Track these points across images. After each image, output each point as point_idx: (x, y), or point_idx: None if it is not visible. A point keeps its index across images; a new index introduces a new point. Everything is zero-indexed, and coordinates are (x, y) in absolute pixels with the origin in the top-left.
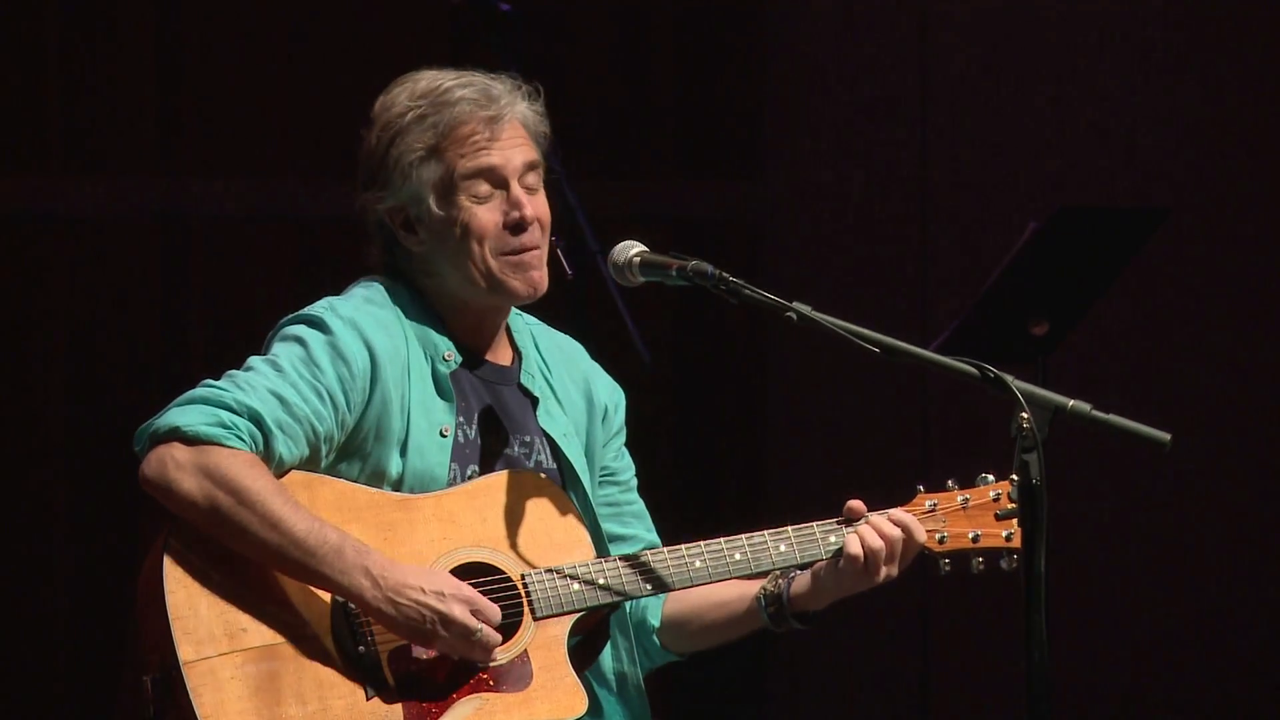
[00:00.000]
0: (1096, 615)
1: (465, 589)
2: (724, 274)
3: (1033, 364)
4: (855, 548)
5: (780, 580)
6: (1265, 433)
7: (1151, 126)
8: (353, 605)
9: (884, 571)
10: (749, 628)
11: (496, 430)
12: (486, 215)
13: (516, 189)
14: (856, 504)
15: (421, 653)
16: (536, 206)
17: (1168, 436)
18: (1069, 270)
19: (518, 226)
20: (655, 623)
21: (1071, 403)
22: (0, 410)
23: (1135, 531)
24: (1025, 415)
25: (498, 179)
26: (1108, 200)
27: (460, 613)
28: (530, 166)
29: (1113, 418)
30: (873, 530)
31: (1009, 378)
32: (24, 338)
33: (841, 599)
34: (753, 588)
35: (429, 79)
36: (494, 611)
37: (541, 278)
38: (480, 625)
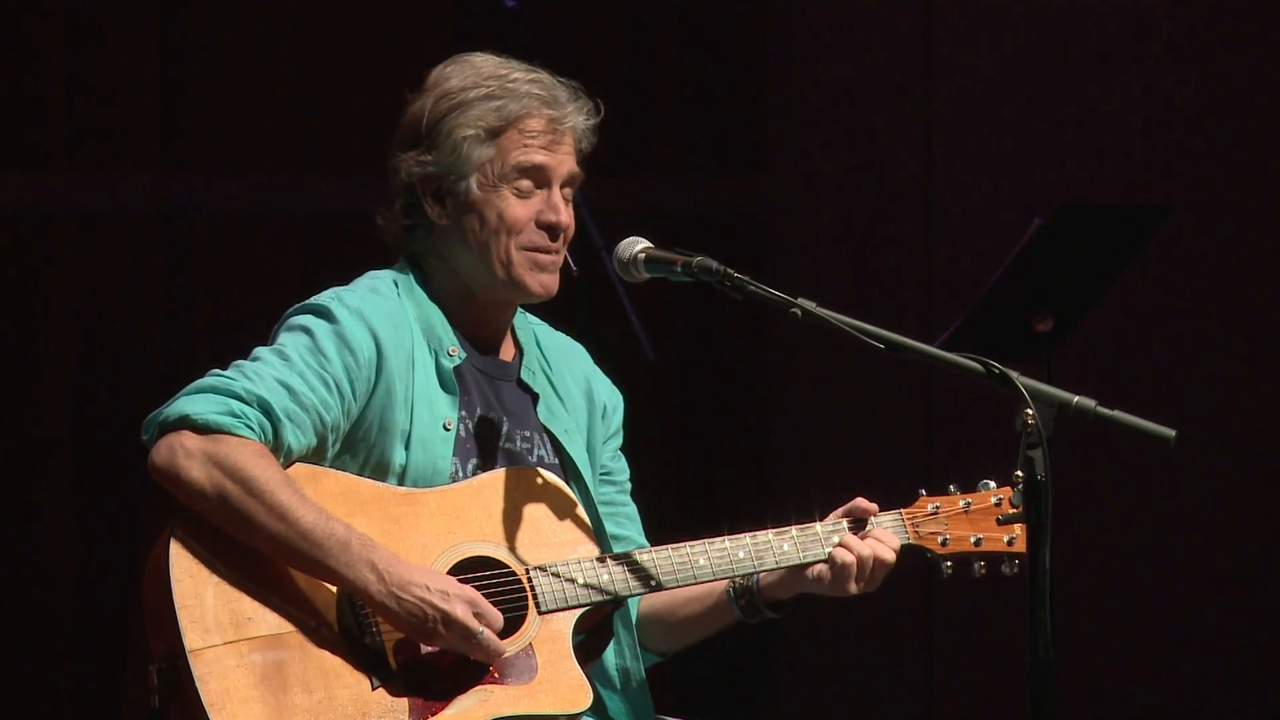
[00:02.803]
0: (1101, 611)
1: (469, 590)
2: (729, 270)
3: (1037, 360)
4: (845, 556)
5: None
6: (1270, 429)
7: (1156, 123)
8: (357, 598)
9: (853, 587)
10: (723, 621)
11: (498, 425)
12: (522, 209)
13: (556, 193)
14: (866, 503)
15: (426, 644)
16: (569, 217)
17: (1172, 433)
18: (1073, 267)
19: (550, 229)
20: (633, 621)
21: (1076, 399)
22: (6, 406)
23: (1139, 528)
24: (1030, 411)
25: (544, 179)
26: (1112, 197)
27: (463, 613)
28: (572, 179)
29: (1117, 414)
30: (844, 550)
31: (1014, 374)
32: (29, 334)
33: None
34: (721, 582)
35: (496, 63)
36: (497, 617)
37: (554, 283)
38: (481, 628)
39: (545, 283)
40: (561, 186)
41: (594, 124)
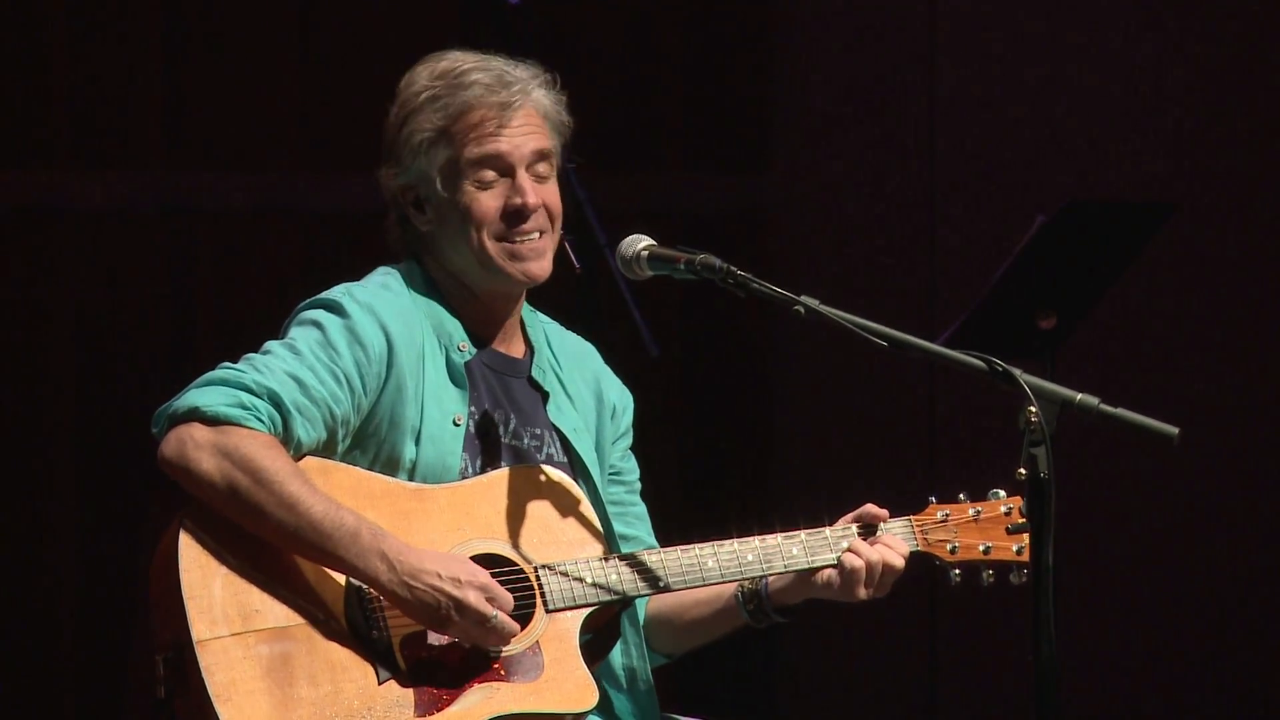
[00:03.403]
0: (1104, 610)
1: (481, 575)
2: (732, 267)
3: (1041, 358)
4: (853, 562)
5: (758, 578)
6: (1274, 426)
7: (1161, 120)
8: (368, 588)
9: (862, 592)
10: (730, 625)
11: (506, 422)
12: (488, 201)
13: (522, 176)
14: (876, 509)
15: (434, 639)
16: (545, 194)
17: (1176, 430)
18: (1077, 264)
19: (518, 214)
20: (640, 621)
21: (1080, 396)
22: (9, 403)
23: (1143, 525)
24: (1033, 409)
25: (503, 166)
26: (1116, 194)
27: (475, 599)
28: (541, 155)
29: (1121, 411)
30: (852, 555)
31: (1017, 371)
32: (32, 332)
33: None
34: (730, 585)
35: (450, 60)
36: (508, 599)
37: (538, 268)
38: (495, 612)
39: (527, 270)
40: (531, 165)
41: (557, 95)
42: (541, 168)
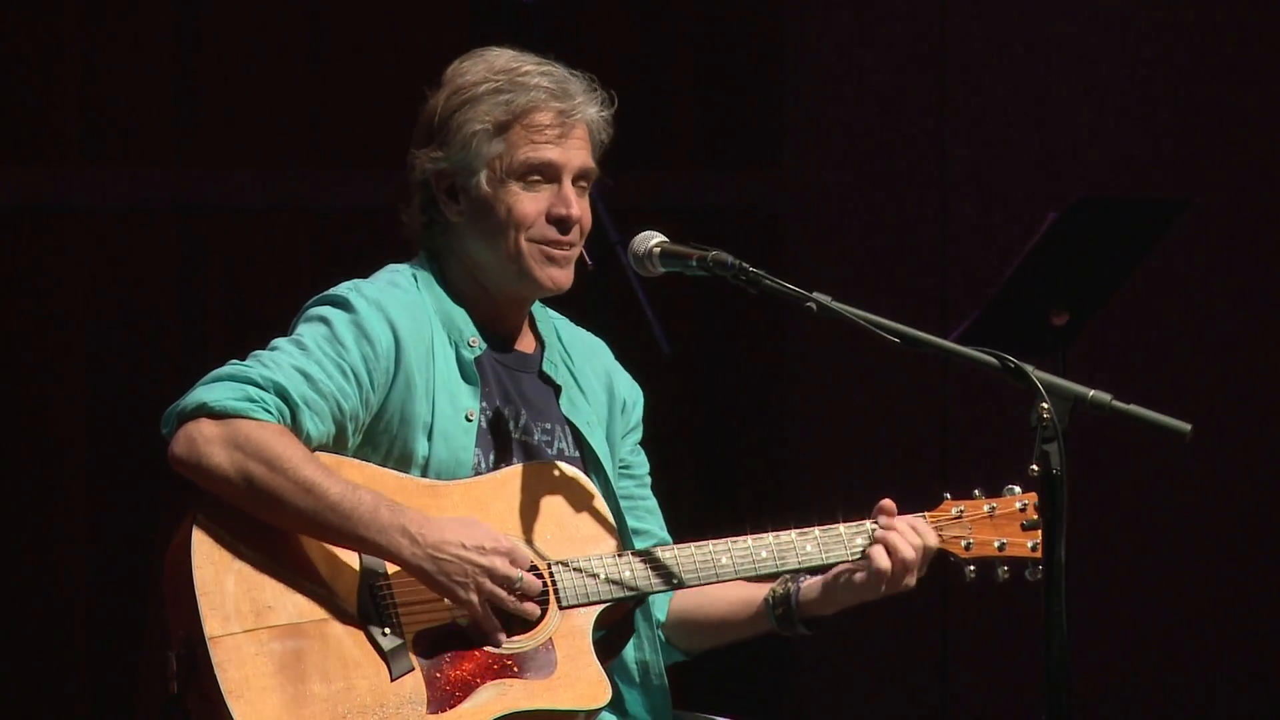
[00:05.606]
0: (1115, 605)
1: (502, 540)
2: (744, 264)
3: (1053, 354)
4: (884, 562)
5: (789, 584)
6: None
7: (1171, 117)
8: (380, 583)
9: (905, 582)
10: (755, 630)
11: (517, 417)
12: (531, 204)
13: (567, 187)
14: (888, 504)
15: (446, 636)
16: (583, 208)
17: (1188, 427)
18: (1089, 261)
19: (562, 223)
20: (661, 618)
21: (1092, 393)
22: (19, 400)
23: (1155, 522)
24: (1045, 406)
25: (553, 173)
26: (1127, 191)
27: (502, 565)
28: (585, 172)
29: (1133, 408)
30: (904, 541)
31: (1029, 368)
32: (42, 329)
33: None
34: (760, 590)
35: (509, 56)
36: (526, 556)
37: (565, 277)
38: (521, 573)
39: (555, 277)
40: (574, 180)
41: (608, 115)
42: (583, 184)
